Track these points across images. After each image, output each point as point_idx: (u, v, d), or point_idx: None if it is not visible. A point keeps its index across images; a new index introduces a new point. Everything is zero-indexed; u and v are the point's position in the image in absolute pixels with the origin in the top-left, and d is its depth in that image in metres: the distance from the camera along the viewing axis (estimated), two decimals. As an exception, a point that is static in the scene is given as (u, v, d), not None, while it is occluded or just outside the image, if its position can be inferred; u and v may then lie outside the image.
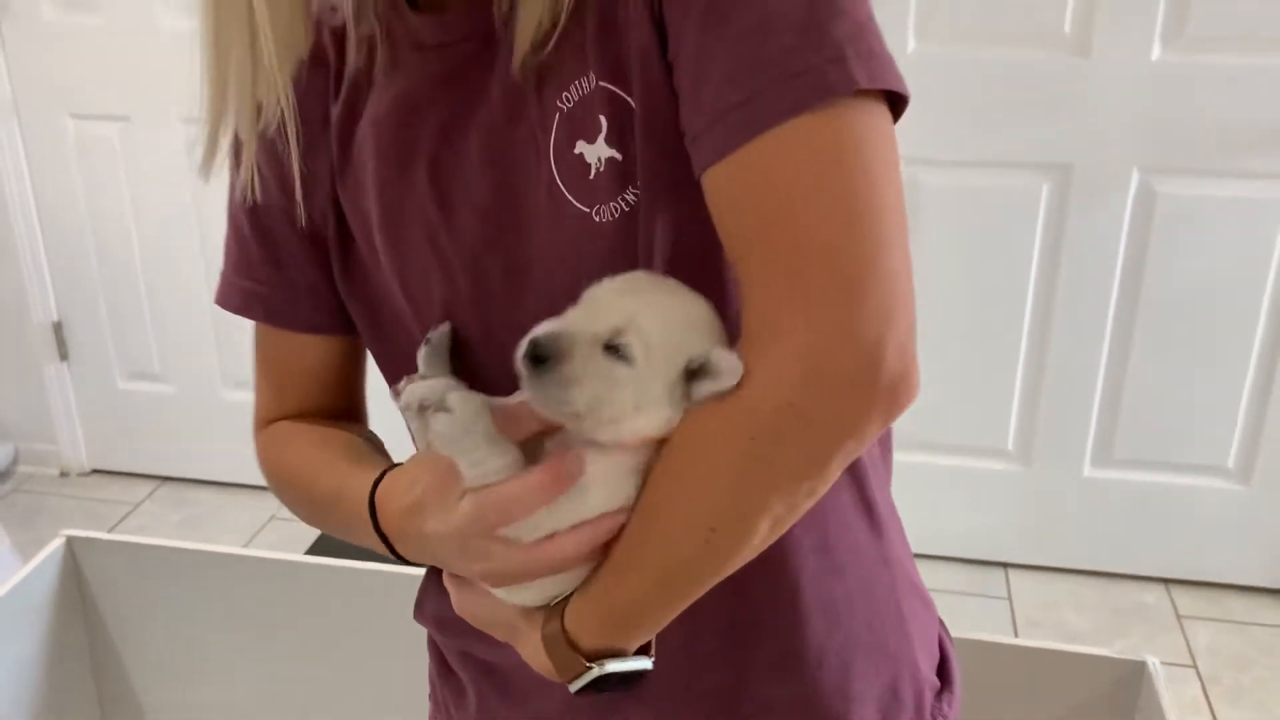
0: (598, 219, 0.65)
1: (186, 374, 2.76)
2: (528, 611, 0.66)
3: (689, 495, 0.58)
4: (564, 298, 0.61)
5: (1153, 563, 2.44)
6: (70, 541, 1.48)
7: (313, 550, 2.29)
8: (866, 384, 0.54)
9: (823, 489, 0.58)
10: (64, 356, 2.81)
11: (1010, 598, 2.42)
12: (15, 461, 2.92)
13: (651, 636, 0.64)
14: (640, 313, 0.59)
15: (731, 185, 0.57)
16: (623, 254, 0.66)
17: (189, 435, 2.81)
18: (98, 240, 2.67)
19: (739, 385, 0.56)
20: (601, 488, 0.60)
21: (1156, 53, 2.09)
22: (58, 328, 2.79)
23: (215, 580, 1.45)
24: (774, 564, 0.70)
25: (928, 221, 2.25)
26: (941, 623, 0.86)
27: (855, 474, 0.75)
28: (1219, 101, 2.10)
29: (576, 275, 0.64)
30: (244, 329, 0.83)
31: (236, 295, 0.80)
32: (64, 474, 2.91)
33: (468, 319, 0.70)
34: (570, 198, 0.65)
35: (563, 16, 0.63)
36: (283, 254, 0.78)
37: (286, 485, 0.80)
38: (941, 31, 2.12)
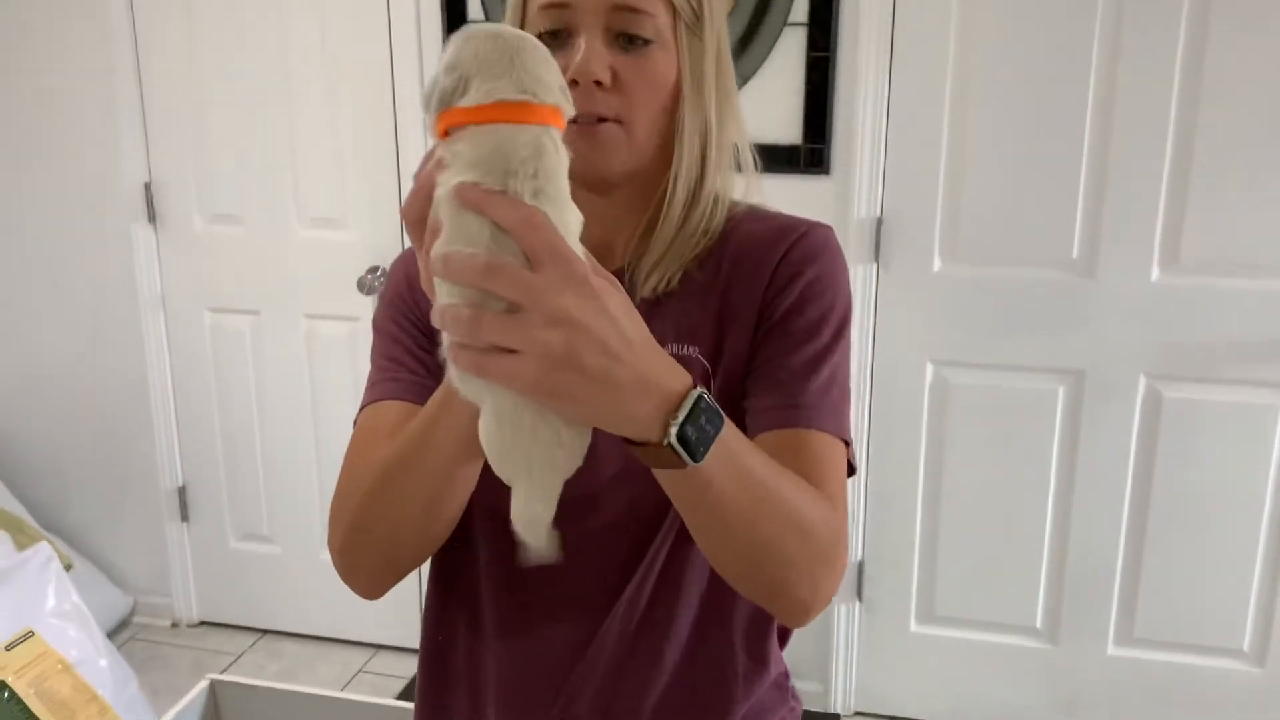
0: None
1: (293, 536, 3.08)
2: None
3: (798, 504, 0.84)
4: (619, 480, 0.88)
5: (1178, 740, 2.58)
6: (213, 685, 1.79)
7: (402, 697, 2.57)
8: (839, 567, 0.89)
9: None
10: (185, 518, 3.16)
11: (1042, 769, 2.59)
12: (133, 612, 3.25)
13: (692, 464, 0.74)
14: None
15: (770, 443, 0.92)
16: None
17: (290, 592, 3.12)
18: (223, 416, 3.03)
19: (835, 507, 0.89)
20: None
21: (1155, 275, 2.38)
22: (181, 492, 3.14)
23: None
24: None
25: (957, 416, 2.54)
26: None
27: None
28: (1212, 317, 2.36)
29: (621, 479, 0.93)
30: None
31: (390, 389, 1.00)
32: (175, 625, 3.23)
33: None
34: None
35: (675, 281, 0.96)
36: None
37: (382, 466, 0.90)
38: (965, 253, 2.44)
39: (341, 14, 2.67)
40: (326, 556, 2.98)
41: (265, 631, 3.19)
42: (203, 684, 1.80)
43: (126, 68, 2.83)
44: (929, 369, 2.54)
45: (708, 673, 1.03)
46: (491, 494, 0.85)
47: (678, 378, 0.73)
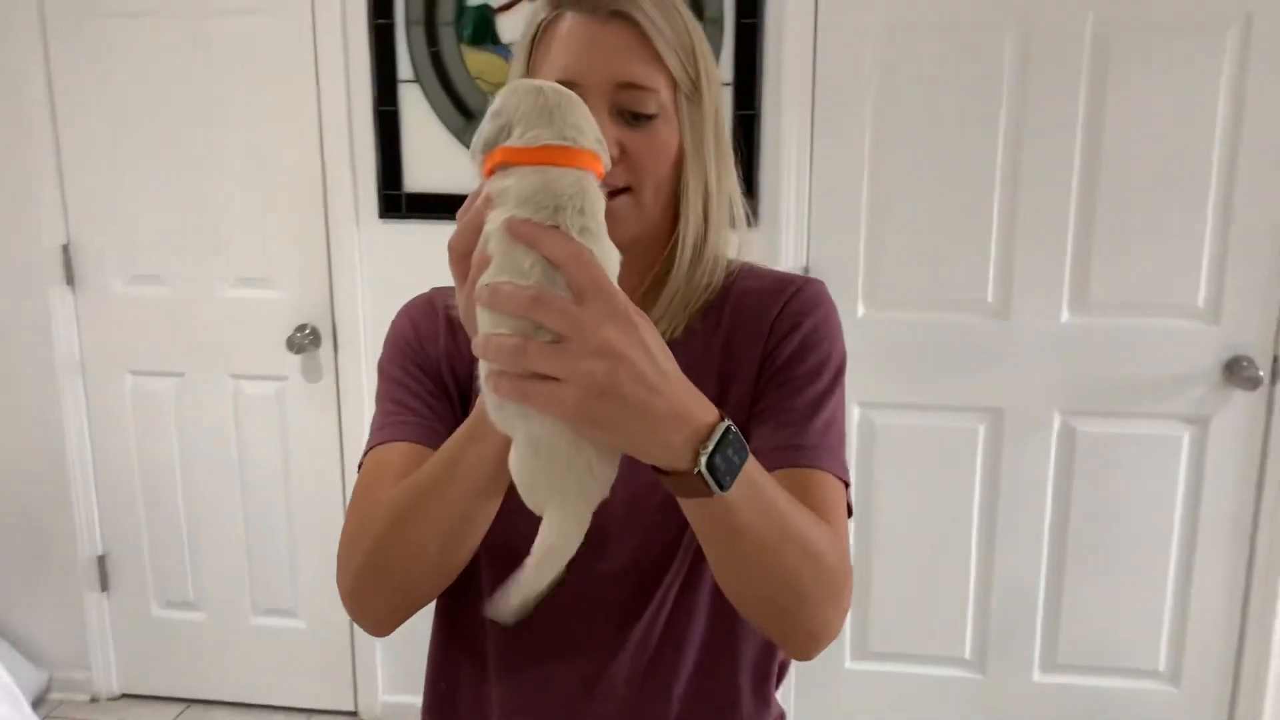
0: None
1: (219, 602, 3.01)
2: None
3: (813, 537, 0.87)
4: (625, 519, 0.88)
5: (1103, 761, 2.68)
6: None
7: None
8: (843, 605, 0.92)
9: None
10: (105, 587, 3.07)
11: (977, 797, 2.67)
12: (48, 688, 3.13)
13: (719, 492, 0.78)
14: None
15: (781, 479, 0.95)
16: (674, 505, 0.89)
17: (218, 659, 3.05)
18: (145, 481, 2.97)
19: (836, 539, 0.91)
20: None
21: (1065, 316, 2.51)
22: (101, 561, 3.05)
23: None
24: None
25: (882, 455, 2.63)
26: None
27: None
28: (1119, 354, 2.50)
29: (640, 510, 0.96)
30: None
31: (398, 432, 1.02)
32: (94, 699, 3.12)
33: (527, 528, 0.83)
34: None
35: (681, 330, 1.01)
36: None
37: (398, 502, 0.91)
38: (887, 300, 2.54)
39: (269, 72, 2.68)
40: (257, 621, 3.03)
41: (192, 701, 3.11)
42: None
43: (43, 129, 2.79)
44: (856, 411, 2.64)
45: (714, 713, 1.06)
46: (500, 533, 0.90)
47: (708, 410, 0.77)
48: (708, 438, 0.76)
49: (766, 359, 1.01)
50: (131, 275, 2.87)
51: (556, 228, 0.72)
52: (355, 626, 2.72)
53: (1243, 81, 2.38)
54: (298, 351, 2.77)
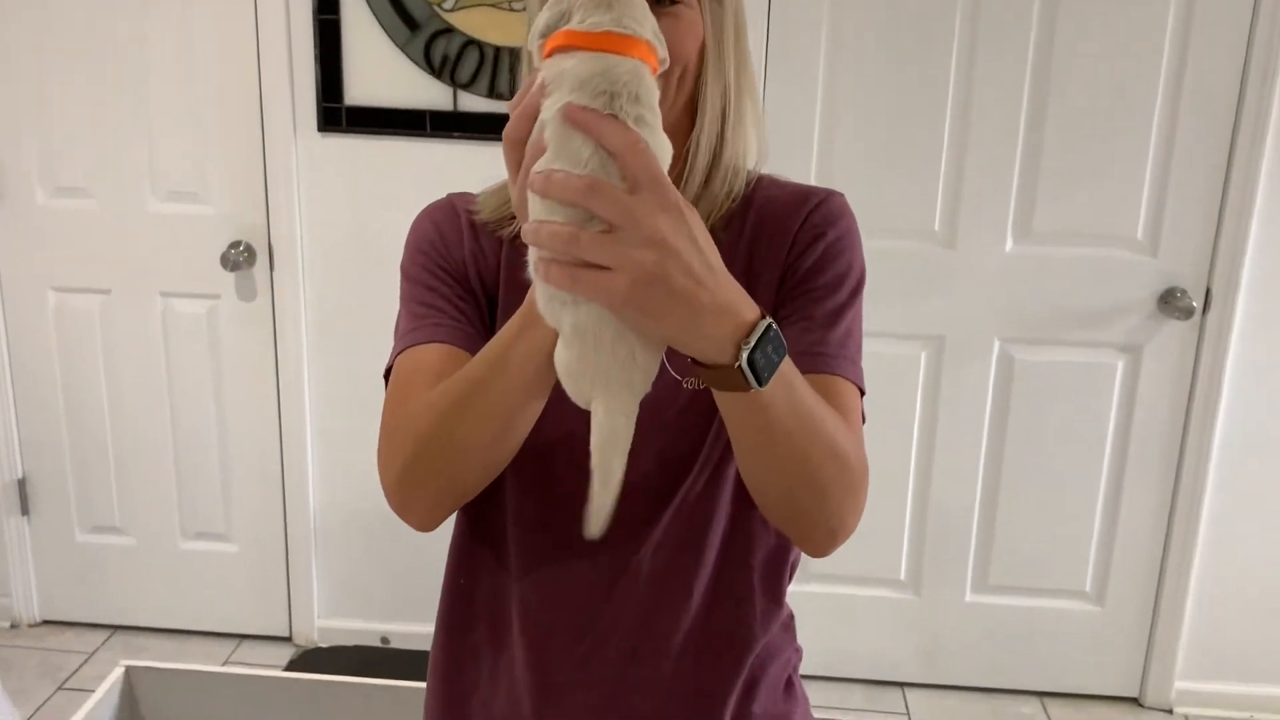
0: (685, 386, 1.00)
1: (147, 527, 2.96)
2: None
3: (838, 438, 0.90)
4: (645, 429, 0.82)
5: (1028, 678, 2.81)
6: (129, 671, 1.76)
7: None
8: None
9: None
10: (25, 512, 2.99)
11: (909, 714, 2.75)
12: (-36, 615, 3.05)
13: (757, 388, 0.80)
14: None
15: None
16: (694, 412, 1.00)
17: (145, 585, 3.00)
18: (69, 402, 2.89)
19: (858, 441, 0.94)
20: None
21: (1009, 245, 2.56)
22: (21, 484, 2.97)
23: (258, 702, 1.73)
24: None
25: (828, 383, 2.67)
26: None
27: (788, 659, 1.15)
28: (1061, 284, 2.56)
29: (661, 417, 0.98)
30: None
31: (431, 333, 1.02)
32: (14, 625, 3.06)
33: (579, 428, 0.84)
34: (670, 369, 0.96)
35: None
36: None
37: (445, 397, 0.91)
38: (835, 227, 2.57)
39: (202, -22, 2.58)
40: (186, 545, 2.98)
41: (117, 628, 3.06)
42: (118, 671, 1.76)
43: (-43, 29, 2.64)
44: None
45: (730, 613, 1.09)
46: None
47: (750, 307, 0.79)
48: (750, 333, 0.78)
49: (789, 269, 1.03)
50: (55, 188, 2.76)
51: (613, 116, 0.72)
52: (290, 550, 2.84)
53: (1189, 19, 2.43)
54: (232, 269, 2.71)
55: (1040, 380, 2.64)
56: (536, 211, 0.74)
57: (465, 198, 1.09)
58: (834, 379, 0.99)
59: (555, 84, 0.74)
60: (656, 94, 0.76)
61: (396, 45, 2.54)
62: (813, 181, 1.02)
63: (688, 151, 1.02)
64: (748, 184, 1.07)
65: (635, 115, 0.73)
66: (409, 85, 2.54)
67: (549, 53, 0.76)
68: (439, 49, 2.53)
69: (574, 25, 0.75)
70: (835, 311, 1.02)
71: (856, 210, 1.08)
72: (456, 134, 2.56)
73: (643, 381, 0.79)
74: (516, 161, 0.77)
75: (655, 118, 0.75)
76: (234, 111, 2.65)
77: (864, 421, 1.02)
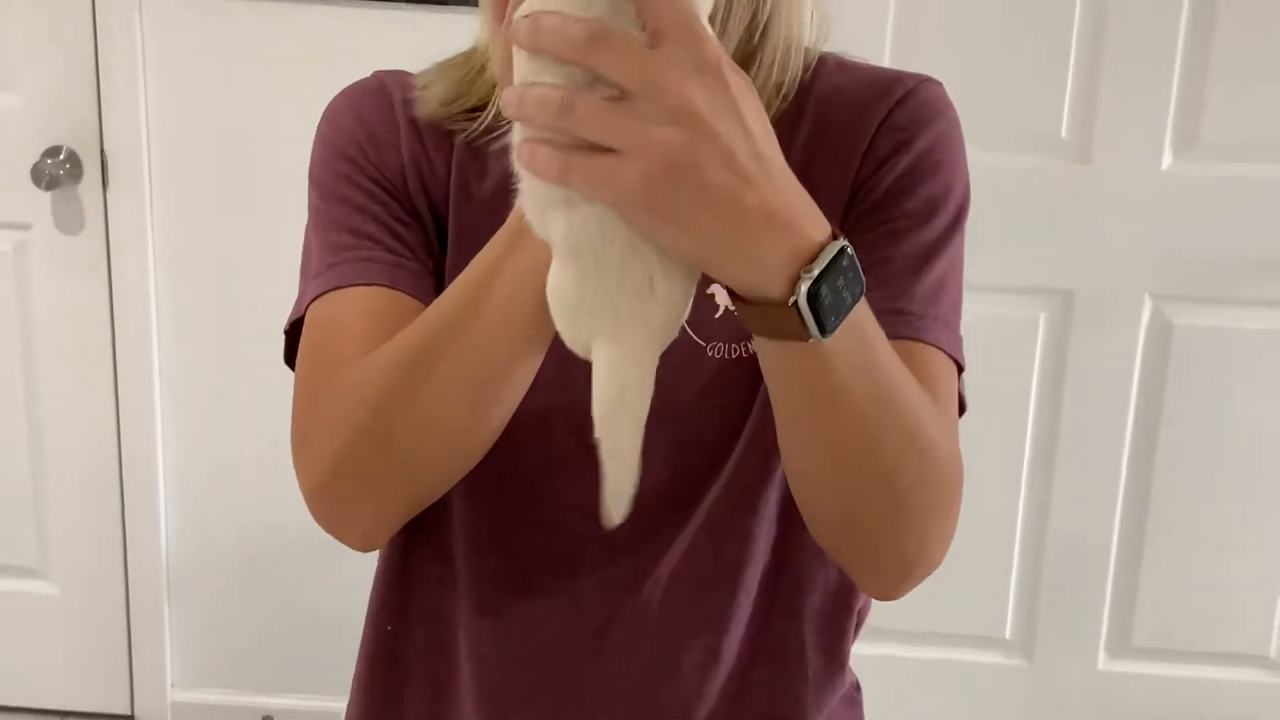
0: (711, 354, 0.95)
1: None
2: None
3: (926, 423, 0.84)
4: (653, 416, 0.74)
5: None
6: None
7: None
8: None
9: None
10: None
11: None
12: None
13: (818, 337, 0.74)
14: None
15: None
16: (724, 393, 0.97)
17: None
18: None
19: (951, 434, 0.90)
20: None
21: (1167, 161, 2.29)
22: None
23: None
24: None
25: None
26: None
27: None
28: (1240, 218, 2.32)
29: (676, 399, 0.92)
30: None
31: (361, 271, 0.97)
32: None
33: (554, 403, 0.91)
34: (689, 330, 0.90)
35: None
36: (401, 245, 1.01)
37: (402, 352, 0.87)
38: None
39: None
40: None
41: None
42: None
43: None
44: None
45: (772, 680, 1.06)
46: None
47: (817, 219, 0.73)
48: (814, 258, 0.71)
49: (860, 187, 0.98)
50: None
51: None
52: (131, 594, 2.66)
53: None
54: (48, 187, 2.44)
55: (1210, 355, 2.37)
56: (522, 73, 0.69)
57: (400, 78, 1.06)
58: (920, 346, 0.94)
59: None
60: None
61: None
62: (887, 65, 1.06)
63: (713, 18, 0.91)
64: (805, 68, 1.02)
65: None
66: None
67: None
68: None
69: None
70: (925, 251, 0.96)
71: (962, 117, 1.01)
72: (383, -12, 2.36)
73: (664, 319, 0.72)
74: (500, 6, 0.72)
75: None
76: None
77: (962, 411, 0.99)
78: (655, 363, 0.72)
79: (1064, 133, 2.28)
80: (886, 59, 2.28)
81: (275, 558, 2.45)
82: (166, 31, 2.37)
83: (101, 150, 2.43)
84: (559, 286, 0.73)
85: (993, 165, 2.16)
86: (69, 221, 2.50)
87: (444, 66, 1.03)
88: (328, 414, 0.91)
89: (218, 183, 2.45)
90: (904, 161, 0.96)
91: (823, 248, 0.71)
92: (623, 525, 0.83)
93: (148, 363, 2.53)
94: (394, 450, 0.88)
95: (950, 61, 2.20)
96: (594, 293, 0.71)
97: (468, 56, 1.01)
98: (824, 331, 0.72)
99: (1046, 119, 2.28)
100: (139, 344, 2.53)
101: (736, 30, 0.95)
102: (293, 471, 0.94)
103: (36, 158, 2.39)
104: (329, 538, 0.98)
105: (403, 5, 2.32)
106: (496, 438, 0.90)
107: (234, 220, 2.45)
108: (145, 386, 2.54)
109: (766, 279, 0.70)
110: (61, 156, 2.41)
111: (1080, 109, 2.28)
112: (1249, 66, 2.24)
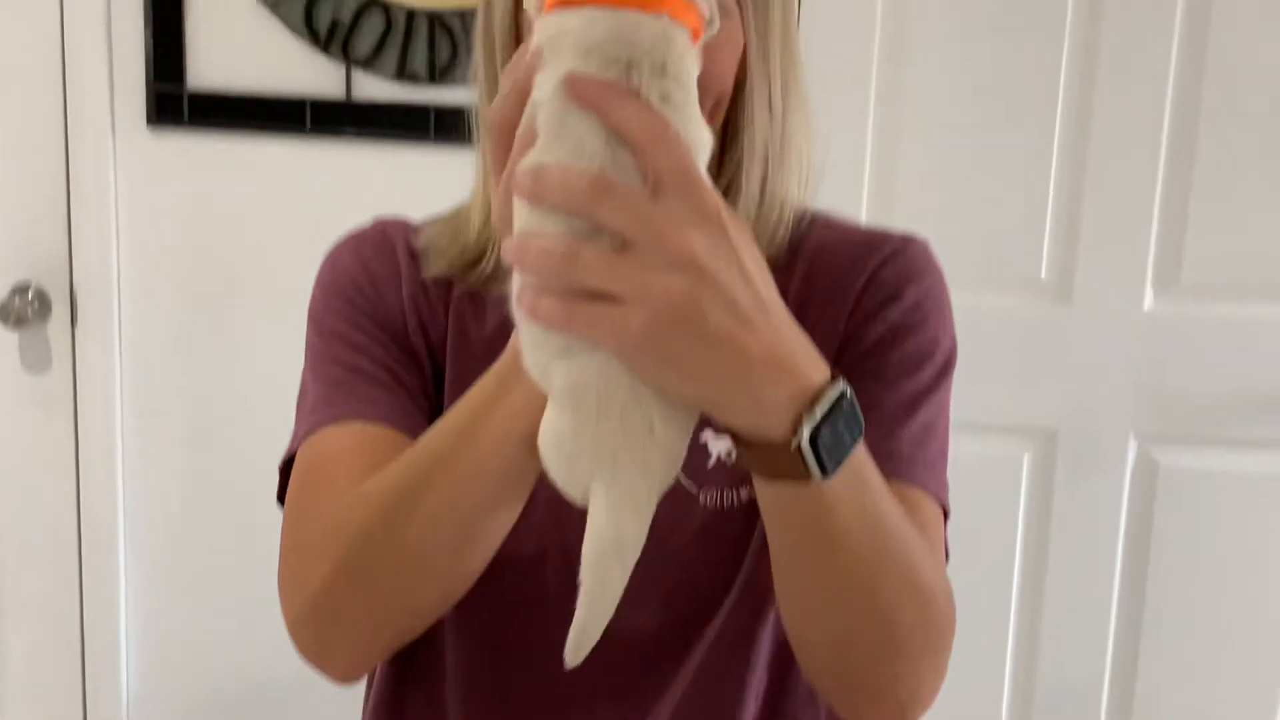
0: (702, 501, 0.98)
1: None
2: None
3: (922, 567, 0.85)
4: (645, 563, 0.74)
5: None
6: None
7: None
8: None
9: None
10: None
11: None
12: None
13: (820, 479, 0.75)
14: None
15: None
16: (717, 539, 0.99)
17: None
18: None
19: (944, 577, 0.91)
20: None
21: (1149, 301, 2.28)
22: None
23: None
24: None
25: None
26: None
27: None
28: (1224, 357, 2.28)
29: (669, 546, 0.93)
30: None
31: (356, 408, 0.99)
32: None
33: (547, 543, 0.95)
34: (682, 476, 0.86)
35: None
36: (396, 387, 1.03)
37: (390, 486, 0.87)
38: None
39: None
40: None
41: None
42: None
43: None
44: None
45: None
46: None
47: (816, 363, 0.75)
48: (815, 400, 0.73)
49: (849, 339, 1.01)
50: None
51: (631, 92, 0.68)
52: None
53: None
54: (15, 325, 2.39)
55: (1197, 496, 2.33)
56: (523, 223, 0.70)
57: (399, 227, 1.08)
58: (909, 490, 0.95)
59: (553, 49, 0.69)
60: (694, 67, 0.71)
61: (263, 3, 2.28)
62: (863, 215, 1.10)
63: (727, 188, 1.00)
64: (797, 223, 1.05)
65: (661, 92, 0.69)
66: (282, 62, 2.33)
67: (550, 7, 0.71)
68: (325, 11, 2.29)
69: None
70: (912, 400, 0.99)
71: (947, 260, 1.05)
72: (350, 131, 2.31)
73: (663, 464, 0.73)
74: (503, 156, 0.72)
75: (688, 97, 0.70)
76: (23, 96, 2.39)
77: (947, 556, 1.00)
78: (654, 508, 0.73)
79: (1043, 272, 2.27)
80: (864, 202, 2.30)
81: (243, 704, 2.38)
82: (142, 163, 2.37)
83: (70, 286, 2.40)
84: (556, 432, 0.73)
85: (973, 305, 2.13)
86: (34, 361, 2.45)
87: (443, 223, 1.05)
88: (311, 545, 0.91)
89: (193, 321, 2.42)
90: (891, 316, 1.00)
91: (823, 390, 0.73)
92: (612, 678, 0.84)
93: (111, 508, 2.48)
94: (375, 585, 0.88)
95: (929, 203, 2.31)
96: (594, 438, 0.72)
97: (456, 213, 1.04)
98: (825, 473, 0.73)
99: (1025, 259, 2.29)
100: (104, 490, 2.48)
101: (751, 197, 0.99)
102: (261, 616, 0.95)
103: (4, 295, 2.35)
104: (299, 684, 0.97)
105: (382, 143, 2.31)
106: (477, 578, 0.90)
107: (210, 361, 2.42)
108: (108, 532, 2.49)
109: (769, 421, 0.72)
110: (29, 293, 2.35)
111: (1060, 249, 2.28)
112: (1230, 205, 2.25)
